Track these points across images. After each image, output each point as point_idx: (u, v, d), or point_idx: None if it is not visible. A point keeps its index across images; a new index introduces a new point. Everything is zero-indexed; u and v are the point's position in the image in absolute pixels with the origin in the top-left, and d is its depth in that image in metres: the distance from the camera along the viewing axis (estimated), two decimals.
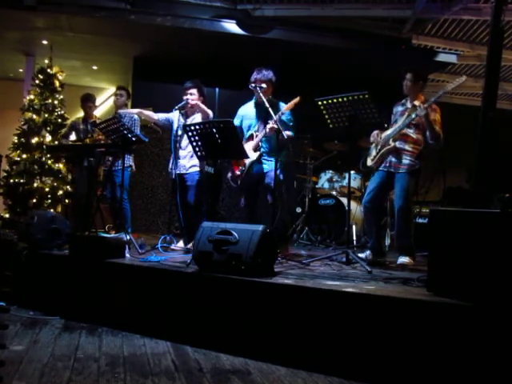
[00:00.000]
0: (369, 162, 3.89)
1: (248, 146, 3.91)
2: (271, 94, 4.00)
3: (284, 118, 3.86)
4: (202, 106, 4.14)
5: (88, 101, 5.48)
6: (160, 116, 4.39)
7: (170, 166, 4.26)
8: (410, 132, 3.67)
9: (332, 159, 6.25)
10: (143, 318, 2.93)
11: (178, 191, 4.19)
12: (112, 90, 9.11)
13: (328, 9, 6.09)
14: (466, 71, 8.47)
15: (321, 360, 2.33)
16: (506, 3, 3.85)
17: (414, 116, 3.57)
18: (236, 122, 4.10)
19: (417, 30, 6.70)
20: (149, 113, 4.43)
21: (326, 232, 5.64)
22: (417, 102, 3.66)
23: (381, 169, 3.78)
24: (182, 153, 4.23)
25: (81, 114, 5.75)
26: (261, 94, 3.76)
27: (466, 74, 8.54)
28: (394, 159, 3.69)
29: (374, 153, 3.86)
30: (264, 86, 3.85)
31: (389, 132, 3.77)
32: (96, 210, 4.83)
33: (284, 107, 3.80)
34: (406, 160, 3.64)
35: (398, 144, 3.68)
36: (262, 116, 3.90)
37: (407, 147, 3.66)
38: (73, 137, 5.48)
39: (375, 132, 3.88)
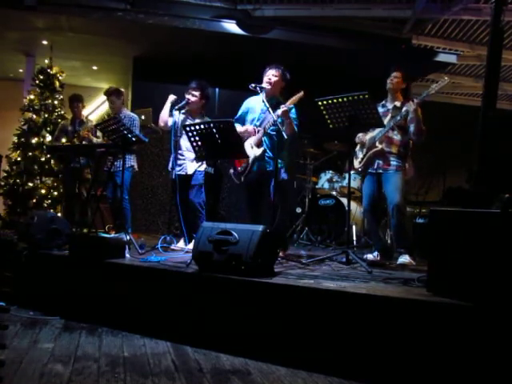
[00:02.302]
0: (356, 165, 3.95)
1: (250, 141, 3.89)
2: (281, 90, 3.96)
3: (290, 114, 3.79)
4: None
5: (76, 101, 5.48)
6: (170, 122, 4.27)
7: (170, 165, 4.25)
8: (394, 134, 3.75)
9: (332, 159, 6.26)
10: (143, 318, 2.93)
11: (179, 191, 4.19)
12: None
13: (328, 9, 6.10)
14: (466, 71, 8.47)
15: (321, 360, 2.33)
16: (506, 3, 3.86)
17: (398, 118, 3.64)
18: (240, 113, 4.10)
19: (417, 30, 6.71)
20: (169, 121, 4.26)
21: (326, 232, 5.65)
22: (397, 103, 3.77)
23: (370, 171, 3.84)
24: (187, 154, 4.22)
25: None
26: (261, 95, 3.76)
27: (466, 74, 8.56)
28: (381, 161, 3.76)
29: (360, 155, 3.91)
30: (268, 82, 3.85)
31: (374, 134, 3.81)
32: (96, 209, 4.83)
33: (288, 101, 3.76)
34: (393, 162, 3.72)
35: (384, 147, 3.74)
36: (268, 113, 3.87)
37: (393, 149, 3.74)
38: (64, 140, 5.48)
39: (360, 134, 3.93)
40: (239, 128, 3.83)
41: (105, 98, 5.23)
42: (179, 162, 4.25)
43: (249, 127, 3.93)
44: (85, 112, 5.77)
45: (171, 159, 4.23)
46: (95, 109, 9.13)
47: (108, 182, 4.90)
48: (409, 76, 3.89)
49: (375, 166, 3.79)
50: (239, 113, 4.12)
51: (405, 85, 3.84)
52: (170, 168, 4.27)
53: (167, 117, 4.23)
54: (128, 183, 4.96)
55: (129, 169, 4.91)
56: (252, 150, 3.86)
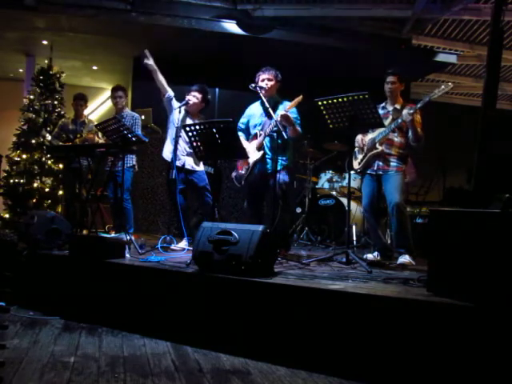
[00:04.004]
0: (355, 165, 3.96)
1: (252, 145, 3.92)
2: (276, 91, 4.00)
3: (290, 115, 3.80)
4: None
5: (81, 99, 5.47)
6: (169, 91, 4.33)
7: (170, 155, 4.22)
8: (394, 136, 3.76)
9: (332, 159, 6.25)
10: (143, 318, 2.93)
11: (180, 192, 4.20)
12: None
13: (328, 9, 6.09)
14: (466, 71, 8.47)
15: (321, 360, 2.33)
16: (506, 3, 3.86)
17: (400, 121, 3.63)
18: (243, 121, 4.14)
19: (417, 30, 6.70)
20: (163, 80, 4.33)
21: (326, 232, 5.65)
22: (398, 106, 3.77)
23: (369, 172, 3.84)
24: (188, 149, 4.23)
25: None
26: (261, 95, 3.77)
27: (466, 74, 8.56)
28: (381, 163, 3.77)
29: (360, 156, 3.92)
30: (265, 85, 3.86)
31: (373, 136, 3.81)
32: (96, 210, 4.83)
33: (287, 106, 3.80)
34: (393, 163, 3.74)
35: (384, 148, 3.74)
36: (267, 115, 3.88)
37: (392, 151, 3.75)
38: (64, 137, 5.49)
39: (359, 136, 3.94)
40: (245, 143, 3.83)
41: (104, 98, 5.23)
42: (185, 158, 4.28)
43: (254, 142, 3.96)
44: (85, 112, 5.75)
45: (170, 155, 4.22)
46: (95, 109, 9.13)
47: (109, 181, 4.90)
48: (405, 76, 3.87)
49: (375, 168, 3.79)
50: (242, 121, 4.15)
51: (403, 86, 3.84)
52: (168, 158, 4.27)
53: (165, 84, 4.31)
54: (129, 183, 4.96)
55: (130, 169, 4.91)
56: (252, 153, 3.87)
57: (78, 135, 5.22)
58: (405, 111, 3.57)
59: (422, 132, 3.66)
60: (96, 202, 5.20)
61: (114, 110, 5.17)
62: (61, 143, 5.39)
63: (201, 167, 4.37)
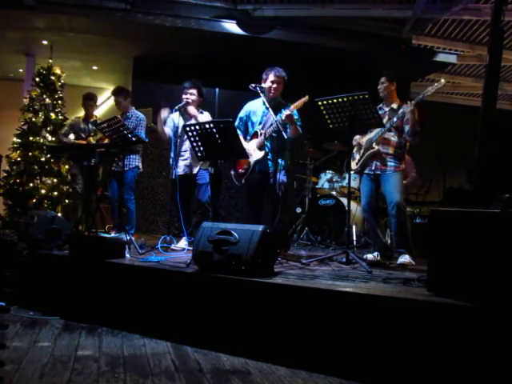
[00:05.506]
0: (353, 166, 3.96)
1: (252, 145, 3.91)
2: (281, 93, 3.98)
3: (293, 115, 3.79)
4: (192, 111, 4.21)
5: (90, 99, 5.49)
6: (168, 131, 4.26)
7: (171, 162, 4.24)
8: (391, 135, 3.76)
9: (332, 159, 6.26)
10: (143, 318, 2.93)
11: (179, 190, 4.19)
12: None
13: (328, 9, 6.10)
14: (466, 71, 8.48)
15: (321, 360, 2.33)
16: (506, 3, 3.86)
17: (395, 119, 3.63)
18: (241, 115, 4.11)
19: (417, 30, 6.72)
20: (167, 130, 4.25)
21: (326, 232, 5.64)
22: (394, 105, 3.76)
23: (367, 172, 3.84)
24: (191, 153, 4.22)
25: (81, 113, 5.76)
26: (261, 95, 3.76)
27: (466, 74, 8.57)
28: (378, 163, 3.76)
29: (357, 157, 3.92)
30: (268, 87, 3.86)
31: (371, 136, 3.82)
32: (96, 209, 4.83)
33: (292, 105, 3.78)
34: (390, 162, 3.73)
35: (381, 148, 3.74)
36: (269, 115, 3.87)
37: (390, 151, 3.75)
38: (72, 136, 5.49)
39: (357, 136, 3.94)
40: (243, 142, 3.77)
41: (104, 98, 5.23)
42: (184, 162, 4.26)
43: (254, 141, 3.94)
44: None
45: (171, 158, 4.22)
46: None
47: (112, 181, 4.89)
48: (395, 75, 3.85)
49: (373, 168, 3.79)
50: (240, 117, 4.11)
51: (394, 85, 3.82)
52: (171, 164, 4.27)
53: (167, 130, 4.24)
54: (133, 183, 4.96)
55: (134, 169, 4.91)
56: (254, 152, 3.87)
57: (92, 134, 5.22)
58: (404, 106, 3.61)
59: (418, 127, 3.66)
60: (96, 201, 5.19)
61: (116, 110, 5.15)
62: (73, 140, 5.38)
63: (203, 165, 4.36)
